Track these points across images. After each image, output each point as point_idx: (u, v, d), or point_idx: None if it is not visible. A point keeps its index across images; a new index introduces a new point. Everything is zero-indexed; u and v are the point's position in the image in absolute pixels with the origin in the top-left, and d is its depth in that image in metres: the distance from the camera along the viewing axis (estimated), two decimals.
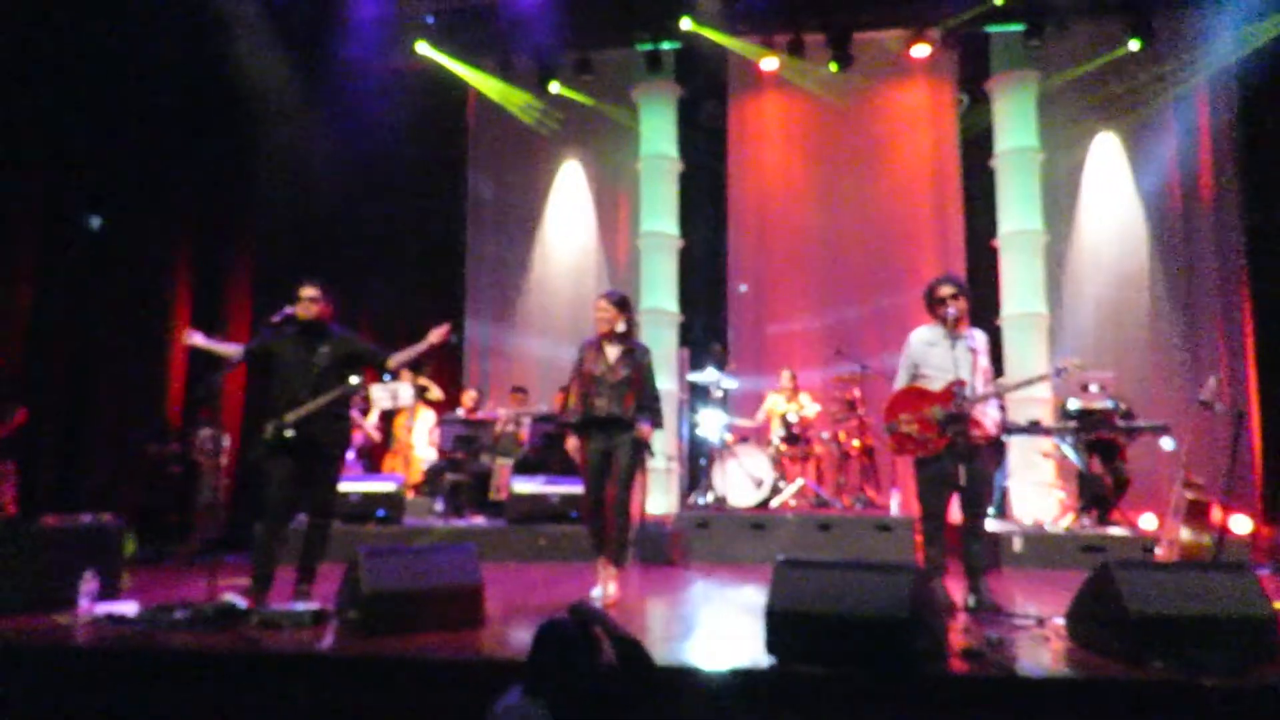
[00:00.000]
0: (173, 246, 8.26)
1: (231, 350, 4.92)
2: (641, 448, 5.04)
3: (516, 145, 10.24)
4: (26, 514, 6.16)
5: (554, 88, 9.77)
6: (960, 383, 4.61)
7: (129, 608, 4.33)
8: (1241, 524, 6.73)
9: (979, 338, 4.82)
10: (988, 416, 4.76)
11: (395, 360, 4.88)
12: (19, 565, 4.56)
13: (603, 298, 5.19)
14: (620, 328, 5.11)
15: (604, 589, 4.96)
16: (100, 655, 3.82)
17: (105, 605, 4.38)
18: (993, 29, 9.17)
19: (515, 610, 4.77)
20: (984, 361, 4.78)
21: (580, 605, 2.79)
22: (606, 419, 4.98)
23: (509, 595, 5.20)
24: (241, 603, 4.31)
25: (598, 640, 2.57)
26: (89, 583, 4.40)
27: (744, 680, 3.35)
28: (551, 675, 2.49)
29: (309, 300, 4.71)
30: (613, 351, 5.09)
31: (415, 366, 8.98)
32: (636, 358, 5.07)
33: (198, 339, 4.87)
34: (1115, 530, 6.82)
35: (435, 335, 4.88)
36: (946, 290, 4.78)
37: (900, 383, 4.89)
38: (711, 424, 7.98)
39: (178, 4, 7.59)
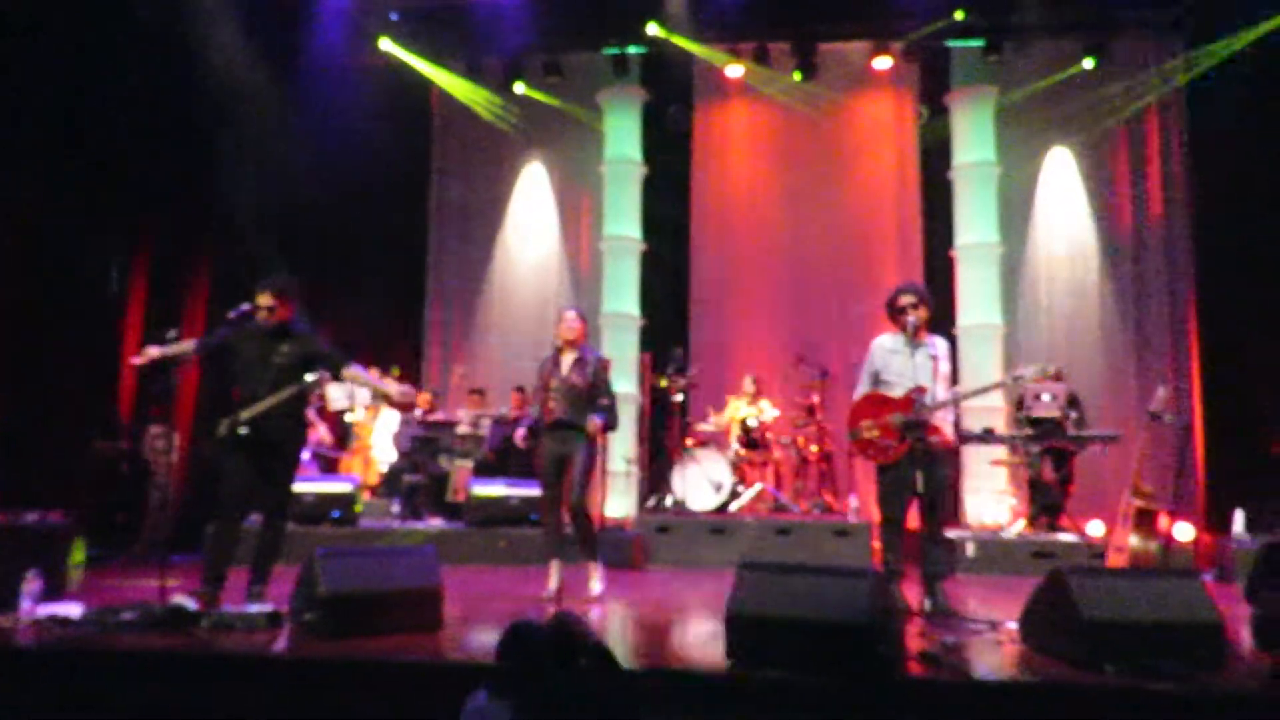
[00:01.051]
0: (129, 240, 8.06)
1: (187, 346, 4.81)
2: (594, 447, 5.36)
3: (481, 145, 10.17)
4: None
5: (519, 89, 9.73)
6: (921, 389, 4.67)
7: (74, 609, 4.20)
8: (1185, 531, 6.91)
9: (940, 345, 4.89)
10: (947, 423, 4.84)
11: (349, 373, 4.82)
12: None
13: (574, 311, 5.53)
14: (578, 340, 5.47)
15: (591, 585, 5.28)
16: (42, 658, 3.71)
17: (49, 606, 4.23)
18: (954, 44, 9.33)
19: (474, 613, 4.74)
20: (945, 368, 4.86)
21: (559, 613, 2.80)
22: (561, 423, 5.25)
23: (468, 598, 5.16)
24: (192, 604, 4.21)
25: (567, 644, 2.54)
26: (32, 583, 4.26)
27: (703, 684, 3.36)
28: (517, 677, 2.47)
29: (265, 309, 4.63)
30: (568, 360, 5.39)
31: (383, 368, 8.89)
32: (590, 365, 5.38)
33: (152, 352, 4.73)
34: (1065, 536, 6.96)
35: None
36: (907, 299, 4.85)
37: (861, 389, 4.95)
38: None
39: None
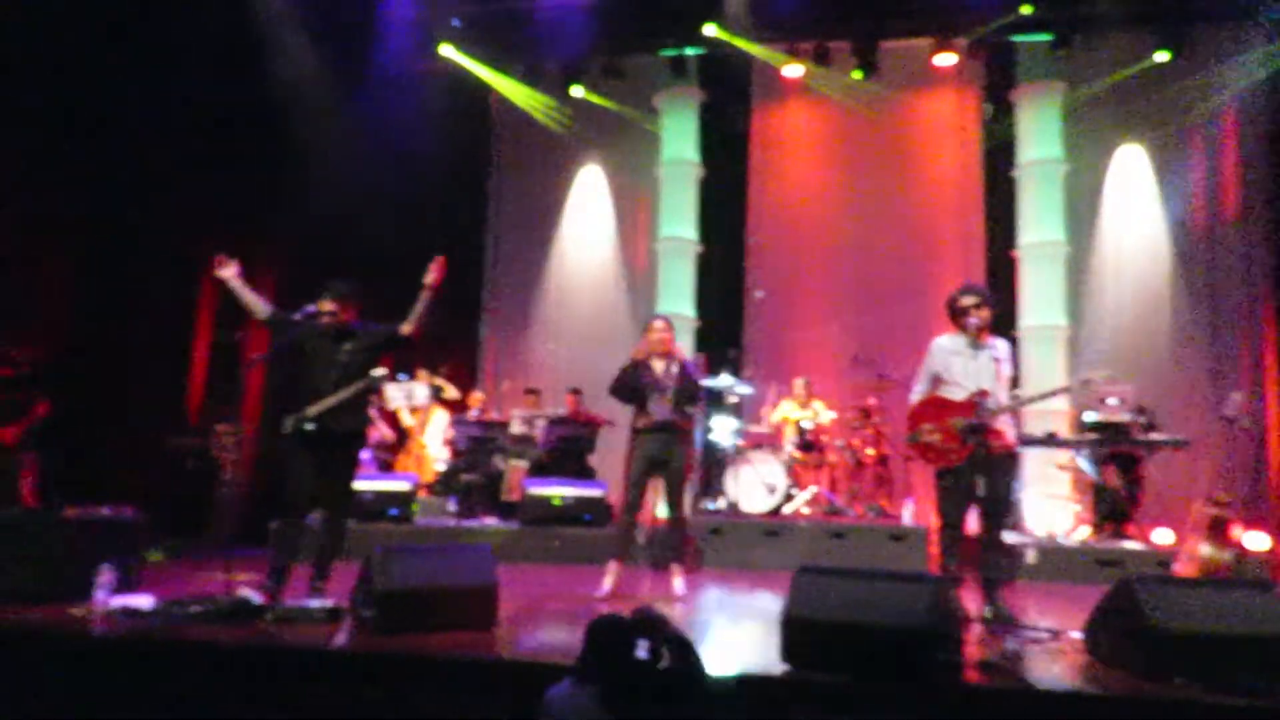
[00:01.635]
0: (200, 243, 8.31)
1: (259, 305, 4.89)
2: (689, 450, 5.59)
3: (538, 148, 10.25)
4: (46, 505, 6.20)
5: (577, 92, 9.78)
6: (984, 393, 4.58)
7: (145, 601, 4.35)
8: (1260, 541, 6.65)
9: (1002, 348, 4.78)
10: (1010, 427, 4.73)
11: (406, 327, 4.88)
12: (37, 556, 4.59)
13: (662, 321, 5.62)
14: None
15: (675, 585, 5.39)
16: (115, 648, 3.84)
17: (121, 598, 4.38)
18: (1020, 39, 9.11)
19: (528, 612, 4.77)
20: (1007, 371, 4.75)
21: (642, 607, 2.86)
22: (659, 426, 5.35)
23: (522, 596, 5.20)
24: (257, 598, 4.33)
25: (652, 640, 2.62)
26: (105, 575, 4.41)
27: (759, 687, 3.33)
28: (603, 666, 2.55)
29: (328, 314, 4.75)
30: (659, 365, 5.48)
31: (431, 366, 9.02)
32: (686, 368, 5.53)
33: (228, 273, 4.83)
34: (1131, 545, 6.75)
35: (431, 277, 5.04)
36: (969, 300, 4.75)
37: (919, 391, 4.86)
38: (725, 430, 7.95)
39: (214, 5, 7.66)
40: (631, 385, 5.46)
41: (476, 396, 8.95)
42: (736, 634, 4.54)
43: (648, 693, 2.56)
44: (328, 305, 4.74)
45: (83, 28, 7.17)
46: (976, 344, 4.70)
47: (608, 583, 5.34)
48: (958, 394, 4.67)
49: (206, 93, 7.81)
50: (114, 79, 7.41)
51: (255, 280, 8.53)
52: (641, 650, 2.59)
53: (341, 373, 4.68)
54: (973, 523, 4.73)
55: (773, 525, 7.18)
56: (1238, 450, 7.14)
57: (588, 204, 10.34)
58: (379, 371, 4.72)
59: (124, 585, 4.57)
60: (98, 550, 4.58)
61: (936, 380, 4.80)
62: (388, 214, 8.92)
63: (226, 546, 5.27)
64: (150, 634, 3.93)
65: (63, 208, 7.25)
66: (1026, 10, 8.49)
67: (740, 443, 7.96)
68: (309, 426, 4.59)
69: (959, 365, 4.70)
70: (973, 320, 4.70)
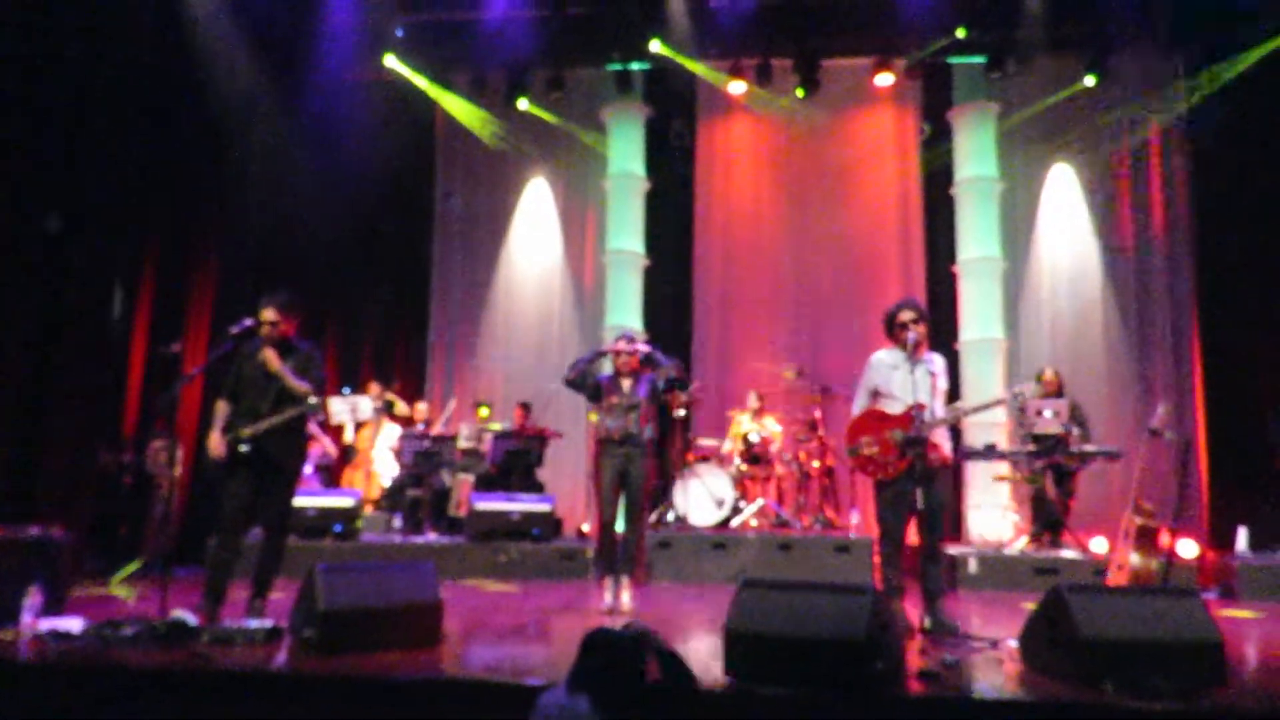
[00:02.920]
0: (135, 254, 8.12)
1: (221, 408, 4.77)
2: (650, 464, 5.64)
3: (484, 160, 10.22)
4: None
5: (523, 104, 9.79)
6: (920, 406, 4.68)
7: (74, 623, 4.21)
8: (1188, 549, 6.89)
9: (938, 362, 4.90)
10: (945, 440, 4.84)
11: (314, 399, 4.75)
12: None
13: (623, 339, 5.75)
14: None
15: (624, 598, 5.44)
16: (43, 672, 3.72)
17: (49, 621, 4.25)
18: (955, 60, 9.38)
19: (475, 629, 4.74)
20: (943, 384, 4.87)
21: (632, 621, 2.95)
22: (622, 440, 5.47)
23: (468, 614, 5.16)
24: (193, 619, 4.23)
25: (644, 652, 2.70)
26: (33, 597, 4.28)
27: (702, 700, 3.35)
28: (597, 676, 2.62)
29: (269, 324, 4.66)
30: (628, 382, 5.63)
31: (384, 381, 8.93)
32: (651, 383, 5.65)
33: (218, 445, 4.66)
34: (1067, 553, 6.94)
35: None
36: (907, 315, 4.86)
37: (859, 405, 4.95)
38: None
39: (149, 10, 7.50)
40: (592, 389, 5.61)
41: (420, 409, 8.87)
42: (682, 647, 4.55)
43: (642, 703, 2.65)
44: (269, 315, 4.66)
45: (19, 29, 6.98)
46: (913, 358, 4.80)
47: (608, 597, 5.46)
48: (895, 407, 4.77)
49: (144, 100, 7.65)
50: (44, 83, 7.21)
51: (194, 292, 8.45)
52: (636, 663, 2.69)
53: (278, 392, 4.62)
54: (914, 534, 4.83)
55: (721, 538, 7.23)
56: (1164, 461, 7.39)
57: (535, 217, 10.34)
58: (313, 399, 4.64)
59: (52, 607, 4.43)
60: (24, 572, 4.43)
61: (875, 394, 4.89)
62: (331, 225, 8.83)
63: (162, 566, 5.13)
64: (80, 657, 3.81)
65: None
66: (961, 33, 8.76)
67: (689, 455, 8.02)
68: (243, 447, 4.53)
69: (896, 379, 4.80)
70: (910, 335, 4.80)
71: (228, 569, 4.59)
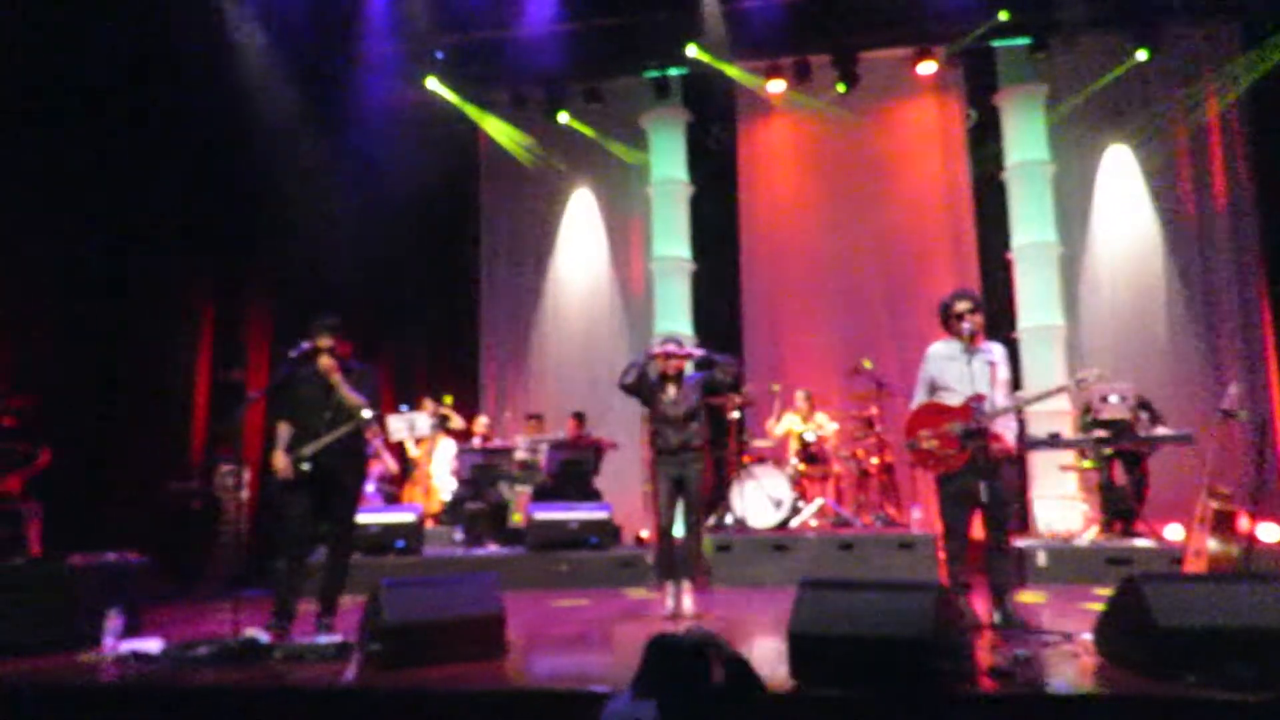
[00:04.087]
0: (194, 285, 8.37)
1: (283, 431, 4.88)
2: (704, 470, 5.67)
3: (527, 175, 10.33)
4: (52, 553, 6.20)
5: (563, 118, 9.87)
6: (979, 397, 4.58)
7: (153, 645, 4.35)
8: (1270, 532, 6.63)
9: (997, 351, 4.79)
10: (1009, 430, 4.73)
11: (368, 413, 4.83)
12: (45, 604, 4.61)
13: (673, 344, 5.72)
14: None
15: (685, 603, 5.42)
16: (126, 693, 3.84)
17: (130, 643, 4.39)
18: (998, 43, 9.19)
19: (537, 639, 4.76)
20: (1003, 374, 4.76)
21: (695, 626, 2.99)
22: (675, 448, 5.49)
23: (531, 624, 5.19)
24: (264, 637, 4.33)
25: (709, 657, 2.70)
26: (113, 620, 4.43)
27: (768, 704, 3.32)
28: (662, 682, 2.63)
29: (326, 350, 4.78)
30: (672, 388, 5.61)
31: (436, 396, 9.05)
32: (694, 389, 5.63)
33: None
34: (1141, 542, 6.73)
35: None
36: (963, 305, 4.76)
37: (918, 399, 4.86)
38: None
39: (196, 48, 7.74)
40: (644, 390, 5.61)
41: (481, 423, 8.97)
42: (745, 651, 4.52)
43: (708, 708, 2.66)
44: (325, 341, 4.77)
45: (77, 70, 7.25)
46: (970, 349, 4.71)
47: (670, 602, 5.43)
48: (954, 399, 4.67)
49: (195, 134, 7.88)
50: (101, 120, 7.48)
51: (252, 319, 8.68)
52: (701, 669, 2.69)
53: (335, 412, 4.72)
54: (978, 528, 4.73)
55: (780, 539, 7.16)
56: (1238, 442, 7.13)
57: (580, 228, 10.40)
58: (367, 412, 4.74)
59: (131, 630, 4.58)
60: (104, 596, 4.59)
61: (933, 387, 4.80)
62: (380, 247, 8.98)
63: (231, 587, 5.26)
64: (161, 677, 3.93)
65: (52, 251, 7.30)
66: (1004, 16, 8.58)
67: (745, 457, 7.97)
68: (305, 466, 4.64)
69: (954, 371, 4.71)
70: (966, 325, 4.71)
71: (296, 587, 4.70)
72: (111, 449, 7.54)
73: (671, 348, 5.65)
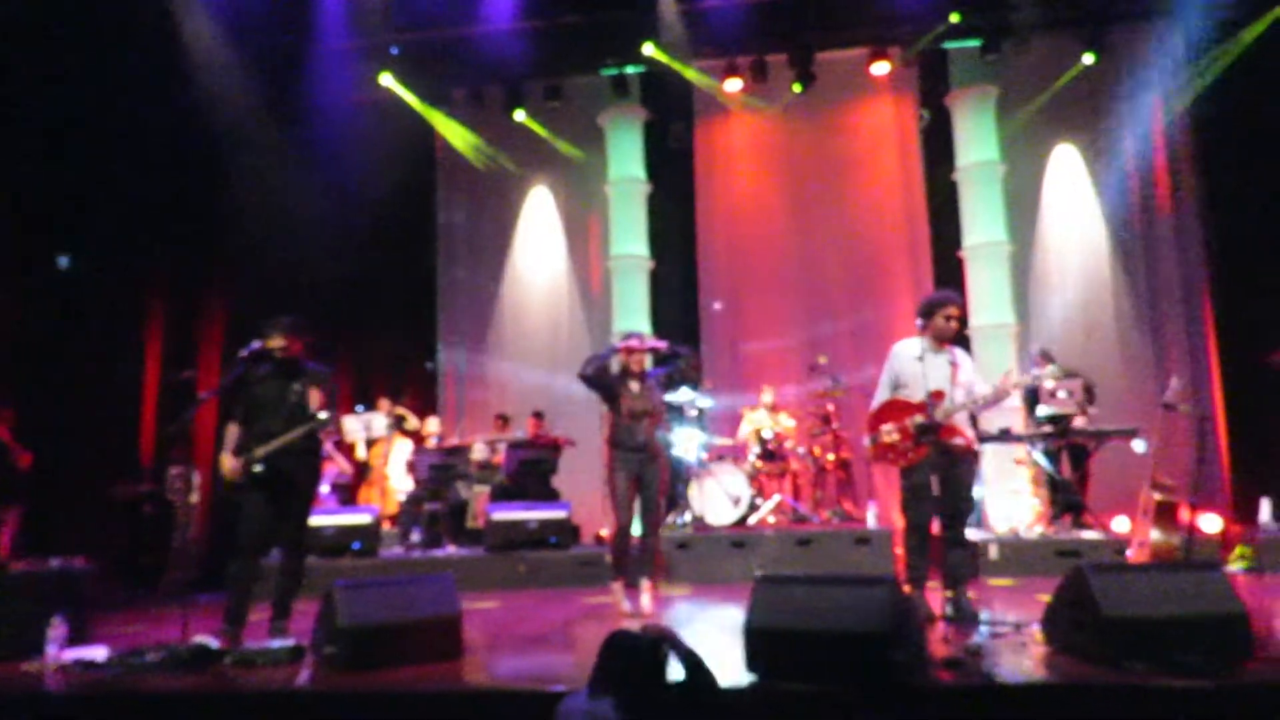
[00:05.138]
0: (144, 286, 8.19)
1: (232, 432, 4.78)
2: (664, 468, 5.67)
3: (485, 173, 10.26)
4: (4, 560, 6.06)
5: (520, 116, 9.82)
6: (938, 394, 4.67)
7: (99, 653, 4.25)
8: (1211, 523, 6.82)
9: (959, 353, 4.92)
10: (968, 428, 4.83)
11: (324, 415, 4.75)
12: None
13: (636, 339, 5.67)
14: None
15: (644, 601, 5.40)
16: (71, 702, 3.75)
17: (74, 651, 4.28)
18: (951, 45, 9.34)
19: (496, 639, 4.74)
20: (965, 376, 4.84)
21: (651, 624, 2.94)
22: (637, 445, 5.44)
23: (490, 624, 5.17)
24: (214, 643, 4.25)
25: (665, 654, 2.71)
26: (57, 628, 4.31)
27: (726, 700, 3.34)
28: (619, 678, 2.62)
29: (279, 349, 4.70)
30: (635, 385, 5.55)
31: (394, 397, 8.96)
32: (657, 388, 5.61)
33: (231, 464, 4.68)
34: (1089, 534, 6.89)
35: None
36: (956, 310, 4.88)
37: (881, 395, 4.95)
38: (688, 443, 7.98)
39: (147, 45, 7.58)
40: (607, 385, 5.55)
41: (432, 424, 8.88)
42: (703, 647, 4.54)
43: (665, 704, 2.66)
44: (277, 341, 4.70)
45: (21, 70, 7.06)
46: (935, 349, 4.82)
47: (625, 602, 5.42)
48: (916, 395, 4.77)
49: (145, 132, 7.71)
50: (49, 120, 7.30)
51: (203, 318, 8.52)
52: (657, 665, 2.69)
53: (290, 412, 4.65)
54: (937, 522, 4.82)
55: (739, 536, 7.21)
56: (1181, 436, 7.32)
57: (538, 226, 10.37)
58: (323, 414, 4.66)
59: (77, 638, 4.46)
60: (48, 604, 4.47)
61: (896, 385, 4.89)
62: (336, 245, 8.86)
63: (184, 592, 5.16)
64: (106, 686, 3.84)
65: None
66: (955, 18, 8.72)
67: (704, 456, 8.00)
68: (258, 468, 4.56)
69: (917, 369, 4.80)
70: (952, 326, 4.83)
71: (247, 591, 4.62)
72: (58, 451, 7.35)
73: (634, 343, 5.60)
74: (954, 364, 4.79)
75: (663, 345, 5.77)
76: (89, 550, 5.41)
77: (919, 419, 4.69)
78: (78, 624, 4.54)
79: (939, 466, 4.67)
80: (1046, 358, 7.17)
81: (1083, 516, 7.10)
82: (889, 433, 4.76)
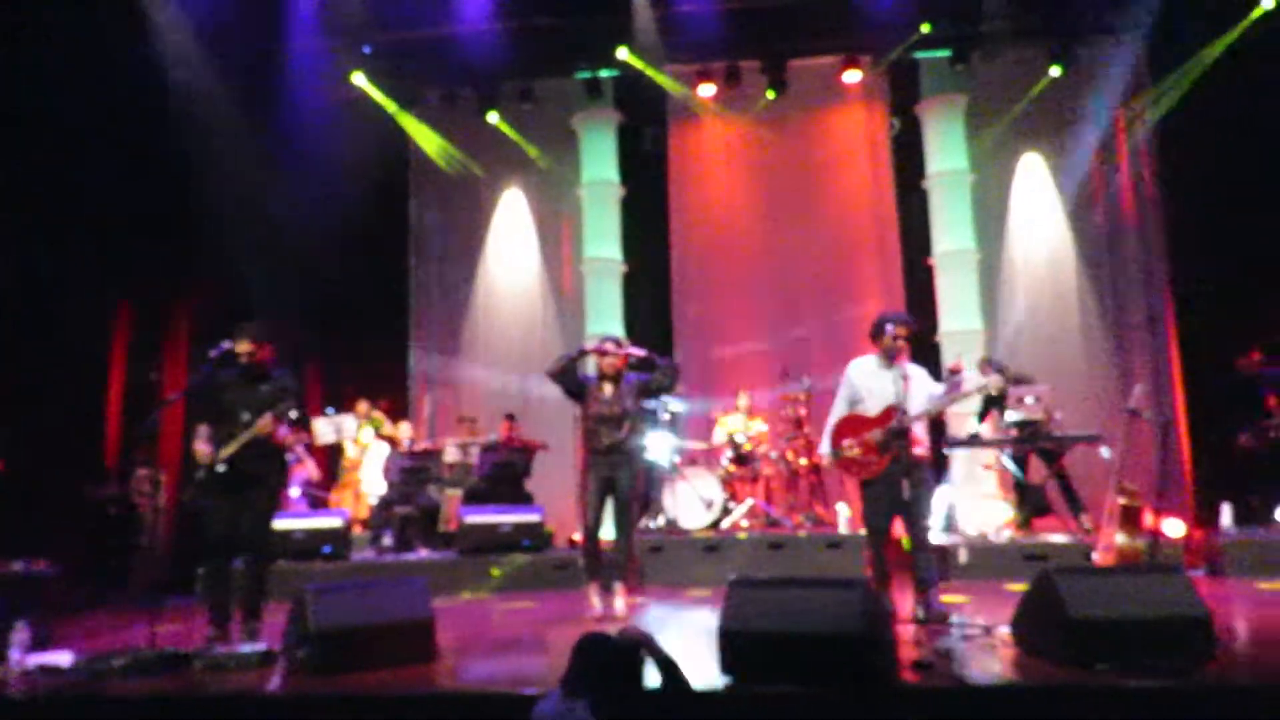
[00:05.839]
0: (110, 286, 8.06)
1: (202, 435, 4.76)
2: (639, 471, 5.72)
3: (458, 173, 10.22)
4: None
5: (493, 118, 9.79)
6: (892, 409, 4.85)
7: (63, 658, 4.18)
8: (1175, 528, 6.95)
9: (911, 368, 5.04)
10: (925, 436, 5.01)
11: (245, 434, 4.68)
12: None
13: (611, 342, 5.66)
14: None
15: (617, 604, 5.40)
16: (34, 708, 3.68)
17: (38, 656, 4.21)
18: (921, 55, 9.45)
19: (469, 642, 4.72)
20: (917, 388, 4.96)
21: (628, 627, 2.94)
22: (608, 449, 5.42)
23: (462, 627, 5.15)
24: (217, 649, 4.24)
25: (639, 656, 2.73)
26: (20, 633, 4.23)
27: (700, 701, 3.35)
28: (592, 681, 2.62)
29: (245, 354, 4.72)
30: (609, 388, 5.52)
31: (370, 400, 8.89)
32: (633, 391, 5.57)
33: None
34: (1056, 538, 6.99)
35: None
36: (900, 330, 5.00)
37: (838, 411, 5.11)
38: (661, 447, 7.99)
39: (119, 44, 7.47)
40: (574, 384, 5.56)
41: (404, 428, 8.81)
42: (677, 650, 4.56)
43: (639, 707, 2.67)
44: (244, 346, 4.73)
45: None
46: (887, 365, 4.98)
47: (597, 603, 5.41)
48: (873, 410, 4.94)
49: (114, 129, 7.59)
50: (17, 117, 7.16)
51: (170, 319, 8.40)
52: (631, 668, 2.71)
53: (254, 415, 4.64)
54: (901, 528, 4.90)
55: (712, 540, 7.23)
56: (1144, 441, 7.46)
57: (510, 228, 10.34)
58: (262, 422, 4.59)
59: (40, 642, 4.38)
60: (10, 608, 4.39)
61: (852, 400, 5.07)
62: (307, 246, 8.76)
63: (151, 596, 5.10)
64: (71, 691, 3.78)
65: None
66: (926, 29, 8.84)
67: (676, 460, 8.02)
68: (221, 468, 4.57)
69: (873, 385, 4.99)
70: (900, 345, 4.97)
71: (224, 592, 4.67)
72: (21, 452, 7.20)
73: (610, 345, 5.59)
74: (906, 378, 4.95)
75: (643, 353, 5.73)
76: (53, 553, 5.32)
77: (877, 433, 4.87)
78: (41, 629, 4.46)
79: (898, 476, 4.81)
80: (992, 366, 7.32)
81: (1046, 519, 7.19)
82: (849, 447, 4.95)
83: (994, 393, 6.42)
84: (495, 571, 6.93)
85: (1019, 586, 5.67)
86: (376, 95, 9.53)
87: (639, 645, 2.75)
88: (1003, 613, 4.50)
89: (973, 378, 5.15)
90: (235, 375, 4.73)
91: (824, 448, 5.12)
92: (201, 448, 4.62)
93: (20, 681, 3.97)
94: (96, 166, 7.61)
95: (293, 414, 4.67)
